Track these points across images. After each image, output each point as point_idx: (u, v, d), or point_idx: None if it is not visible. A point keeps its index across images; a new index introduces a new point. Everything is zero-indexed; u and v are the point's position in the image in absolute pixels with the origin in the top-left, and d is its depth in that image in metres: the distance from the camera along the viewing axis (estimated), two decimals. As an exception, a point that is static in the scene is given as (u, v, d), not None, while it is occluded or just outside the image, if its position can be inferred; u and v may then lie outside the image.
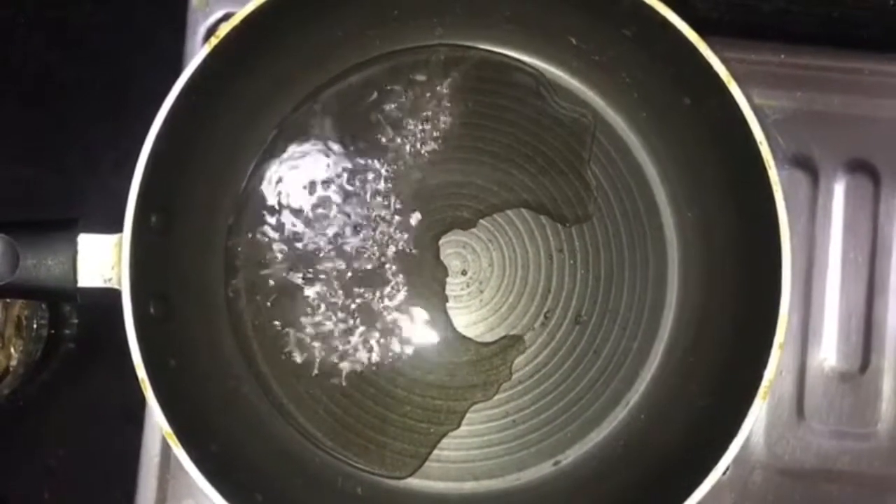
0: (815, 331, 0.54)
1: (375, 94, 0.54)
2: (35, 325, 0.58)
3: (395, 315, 0.53)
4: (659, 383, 0.52)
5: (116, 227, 0.45)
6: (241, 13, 0.46)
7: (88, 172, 0.60)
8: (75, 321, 0.60)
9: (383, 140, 0.54)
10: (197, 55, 0.45)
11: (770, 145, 0.53)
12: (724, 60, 0.46)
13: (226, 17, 0.53)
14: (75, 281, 0.45)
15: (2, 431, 0.59)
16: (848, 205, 0.55)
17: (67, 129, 0.61)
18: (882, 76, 0.56)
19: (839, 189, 0.55)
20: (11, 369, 0.57)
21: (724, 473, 0.52)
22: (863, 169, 0.55)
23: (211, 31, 0.54)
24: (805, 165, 0.55)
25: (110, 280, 0.45)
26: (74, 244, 0.45)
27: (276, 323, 0.53)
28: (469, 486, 0.52)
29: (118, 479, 0.54)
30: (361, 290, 0.53)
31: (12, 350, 0.58)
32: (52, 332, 0.59)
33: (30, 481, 0.59)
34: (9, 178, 0.60)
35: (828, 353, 0.54)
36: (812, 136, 0.55)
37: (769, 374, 0.43)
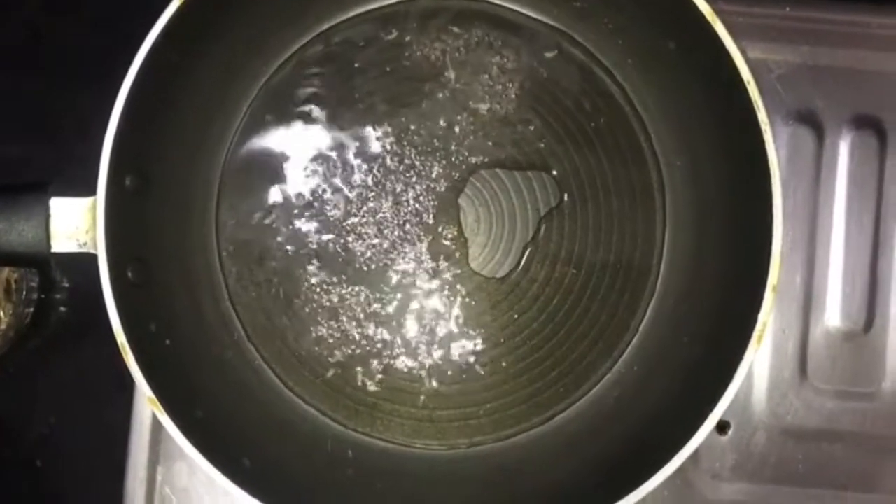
0: (818, 290, 0.53)
1: (356, 53, 0.53)
2: (25, 289, 0.58)
3: (380, 274, 0.52)
4: (651, 334, 0.51)
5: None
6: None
7: (81, 138, 0.59)
8: (66, 285, 0.60)
9: (366, 99, 0.53)
10: (168, 8, 0.45)
11: (773, 100, 0.53)
12: (727, 13, 0.44)
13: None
14: (48, 245, 0.45)
15: (-7, 398, 0.59)
16: (853, 161, 0.54)
17: (61, 95, 0.60)
18: (890, 30, 0.55)
19: (844, 145, 0.54)
20: (1, 333, 0.57)
21: (726, 433, 0.52)
22: (869, 125, 0.54)
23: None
24: (809, 121, 0.54)
25: (85, 245, 0.45)
26: (46, 207, 0.44)
27: (258, 288, 0.52)
28: (462, 445, 0.51)
29: (110, 445, 0.54)
30: (344, 253, 0.52)
31: (1, 314, 0.57)
32: (43, 296, 0.59)
33: (21, 449, 0.58)
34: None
35: (831, 312, 0.54)
36: (817, 92, 0.54)
37: (763, 316, 0.43)
